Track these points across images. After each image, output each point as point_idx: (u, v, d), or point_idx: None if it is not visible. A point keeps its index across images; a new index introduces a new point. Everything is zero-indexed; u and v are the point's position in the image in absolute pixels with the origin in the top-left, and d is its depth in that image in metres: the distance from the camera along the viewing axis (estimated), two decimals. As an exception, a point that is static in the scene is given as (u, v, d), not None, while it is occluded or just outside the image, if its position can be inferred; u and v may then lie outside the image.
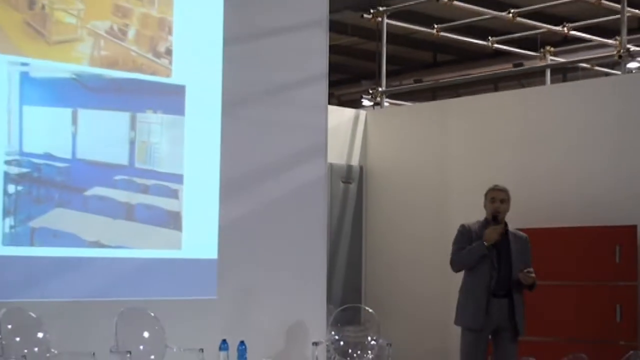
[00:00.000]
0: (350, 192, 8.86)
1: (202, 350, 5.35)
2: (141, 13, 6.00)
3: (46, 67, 5.62)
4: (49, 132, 5.60)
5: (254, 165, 6.43)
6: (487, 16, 9.63)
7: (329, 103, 7.13)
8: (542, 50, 10.12)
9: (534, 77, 11.67)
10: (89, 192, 5.72)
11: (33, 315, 5.03)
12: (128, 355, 5.04)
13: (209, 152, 6.21)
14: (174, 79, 6.10)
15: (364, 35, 11.50)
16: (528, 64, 11.09)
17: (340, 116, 8.90)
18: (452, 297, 6.22)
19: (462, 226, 6.12)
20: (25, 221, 5.49)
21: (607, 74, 9.98)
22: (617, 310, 6.83)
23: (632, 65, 9.50)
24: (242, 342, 5.64)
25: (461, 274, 6.12)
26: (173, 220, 6.04)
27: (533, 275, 5.90)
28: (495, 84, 13.17)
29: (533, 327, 6.30)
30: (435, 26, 9.80)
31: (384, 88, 9.43)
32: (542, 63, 10.12)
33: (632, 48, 8.07)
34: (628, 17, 8.19)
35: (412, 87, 11.91)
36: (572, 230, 7.20)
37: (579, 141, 7.56)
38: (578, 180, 7.48)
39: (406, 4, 9.70)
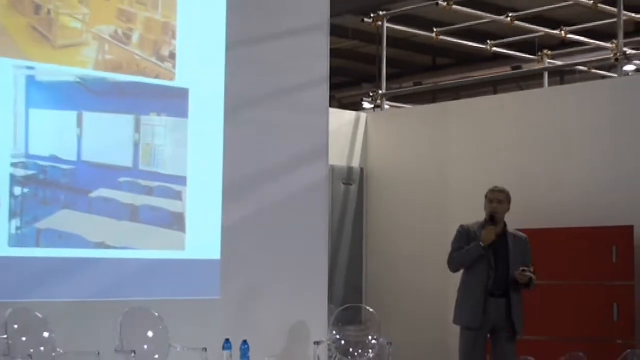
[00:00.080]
0: (351, 194, 8.90)
1: (205, 349, 5.39)
2: (145, 17, 6.04)
3: (52, 71, 5.65)
4: (55, 135, 5.64)
5: (257, 167, 6.45)
6: (486, 20, 9.69)
7: (330, 106, 7.17)
8: (540, 53, 10.18)
9: (532, 79, 11.72)
10: (94, 194, 5.76)
11: (39, 315, 5.06)
12: (132, 354, 5.07)
13: (212, 154, 6.24)
14: (177, 83, 6.13)
15: (365, 39, 11.52)
16: (526, 67, 11.12)
17: (341, 119, 8.94)
18: (452, 297, 6.25)
19: (462, 227, 6.17)
20: (31, 223, 5.53)
21: (604, 77, 10.06)
22: (615, 309, 6.88)
23: (628, 68, 9.56)
24: (245, 342, 5.67)
25: (460, 274, 6.18)
26: (177, 222, 6.07)
27: (528, 274, 5.93)
28: (494, 86, 13.21)
29: (531, 326, 6.33)
30: (435, 30, 9.86)
31: (384, 91, 9.48)
32: (540, 66, 10.17)
33: (629, 51, 8.13)
34: (624, 20, 8.24)
35: (412, 89, 11.96)
36: (569, 231, 7.25)
37: (576, 143, 7.60)
38: (575, 181, 7.53)
39: (406, 8, 9.73)
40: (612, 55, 8.16)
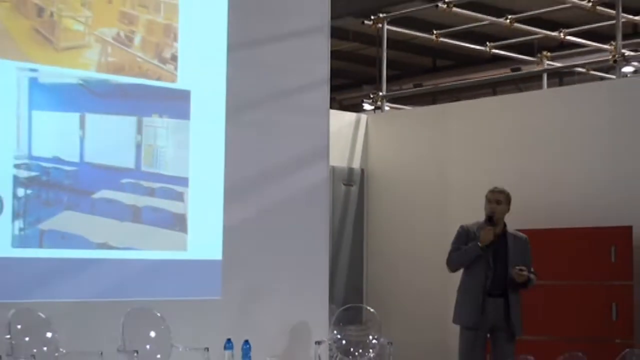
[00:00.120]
0: (352, 195, 8.93)
1: (207, 349, 5.39)
2: (147, 20, 6.05)
3: (54, 73, 5.66)
4: (57, 136, 5.64)
5: (258, 168, 6.46)
6: (485, 22, 9.72)
7: (331, 107, 7.17)
8: (539, 55, 10.21)
9: (531, 81, 11.74)
10: (96, 195, 5.77)
11: (42, 315, 5.06)
12: (135, 354, 5.05)
13: (213, 155, 6.25)
14: (179, 84, 6.14)
15: (365, 41, 11.54)
16: (525, 69, 11.15)
17: (341, 120, 8.97)
18: (452, 297, 6.28)
19: (461, 227, 6.20)
20: (34, 224, 5.53)
21: (602, 78, 10.09)
22: (613, 309, 6.92)
23: (627, 69, 9.60)
24: (246, 341, 5.67)
25: (460, 274, 6.21)
26: (179, 222, 6.08)
27: (525, 273, 5.96)
28: (493, 88, 13.24)
29: (530, 326, 6.36)
30: (435, 32, 9.89)
31: (384, 92, 9.51)
32: (539, 68, 10.20)
33: (627, 53, 8.18)
34: (623, 22, 8.27)
35: (412, 91, 12.01)
36: (568, 231, 7.28)
37: (575, 144, 7.64)
38: (575, 181, 7.56)
39: (406, 10, 9.76)
40: (610, 57, 8.20)
